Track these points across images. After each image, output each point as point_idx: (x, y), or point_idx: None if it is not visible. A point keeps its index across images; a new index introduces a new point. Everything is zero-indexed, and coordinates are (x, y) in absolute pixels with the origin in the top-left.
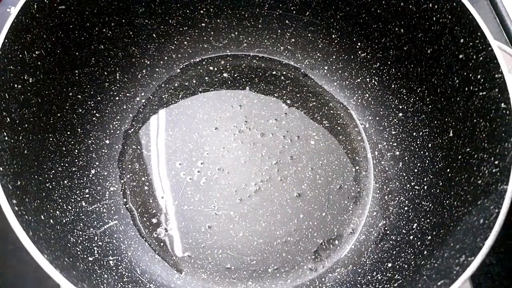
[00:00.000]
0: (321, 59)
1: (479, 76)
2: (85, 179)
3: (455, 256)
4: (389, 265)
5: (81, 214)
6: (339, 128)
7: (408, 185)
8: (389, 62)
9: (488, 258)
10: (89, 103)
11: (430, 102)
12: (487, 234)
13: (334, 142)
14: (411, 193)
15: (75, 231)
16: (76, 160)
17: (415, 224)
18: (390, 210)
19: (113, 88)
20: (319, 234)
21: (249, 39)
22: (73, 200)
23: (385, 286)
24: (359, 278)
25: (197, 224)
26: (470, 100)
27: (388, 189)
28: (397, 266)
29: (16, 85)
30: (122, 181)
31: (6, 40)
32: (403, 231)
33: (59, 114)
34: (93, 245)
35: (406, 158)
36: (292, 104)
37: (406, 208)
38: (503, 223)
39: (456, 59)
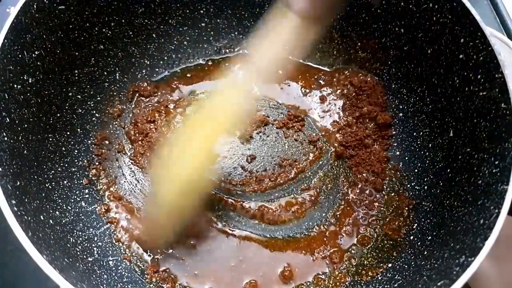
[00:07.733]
0: (321, 59)
1: (479, 76)
2: (85, 179)
3: (455, 256)
4: (389, 265)
5: (80, 215)
6: None
7: (408, 185)
8: (389, 62)
9: None
10: (89, 103)
11: (430, 102)
12: (487, 234)
13: None
14: (411, 193)
15: (75, 231)
16: (76, 160)
17: (415, 224)
18: (390, 210)
19: (113, 88)
20: None
21: (249, 39)
22: (72, 200)
23: (385, 286)
24: (359, 278)
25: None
26: (470, 100)
27: (388, 189)
28: (397, 266)
29: (16, 85)
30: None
31: (6, 40)
32: (403, 231)
33: (59, 114)
34: (93, 245)
35: (406, 158)
36: None
37: (406, 208)
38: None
39: (456, 59)
